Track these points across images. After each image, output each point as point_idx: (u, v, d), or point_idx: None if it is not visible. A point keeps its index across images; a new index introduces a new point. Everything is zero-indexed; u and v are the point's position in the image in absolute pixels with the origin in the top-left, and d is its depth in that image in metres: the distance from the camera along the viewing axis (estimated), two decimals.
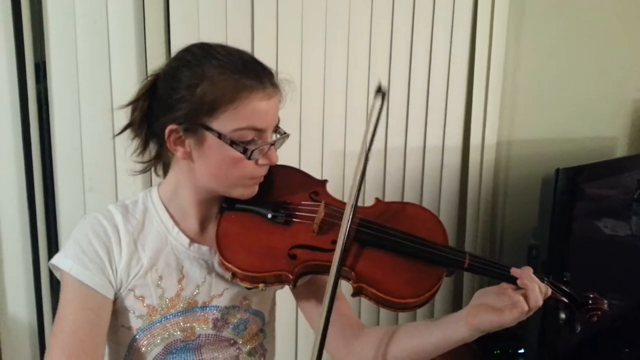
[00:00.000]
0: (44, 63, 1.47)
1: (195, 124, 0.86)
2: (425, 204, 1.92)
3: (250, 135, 0.87)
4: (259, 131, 0.88)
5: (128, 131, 0.96)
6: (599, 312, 0.88)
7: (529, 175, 2.05)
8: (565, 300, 0.88)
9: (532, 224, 1.78)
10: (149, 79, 0.94)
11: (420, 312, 1.91)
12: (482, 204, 2.01)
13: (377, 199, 1.02)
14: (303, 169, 1.07)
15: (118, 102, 1.25)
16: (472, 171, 1.97)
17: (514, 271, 0.87)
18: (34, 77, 1.47)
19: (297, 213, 0.96)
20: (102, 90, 1.51)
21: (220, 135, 0.86)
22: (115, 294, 0.91)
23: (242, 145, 0.87)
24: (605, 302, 0.89)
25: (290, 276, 0.88)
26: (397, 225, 0.95)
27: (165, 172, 1.01)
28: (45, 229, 1.55)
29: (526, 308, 0.82)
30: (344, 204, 0.98)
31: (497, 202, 2.09)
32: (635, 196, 2.00)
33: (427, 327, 0.93)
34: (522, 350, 1.87)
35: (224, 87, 0.85)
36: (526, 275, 0.86)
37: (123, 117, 0.96)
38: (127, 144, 0.96)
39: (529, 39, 2.01)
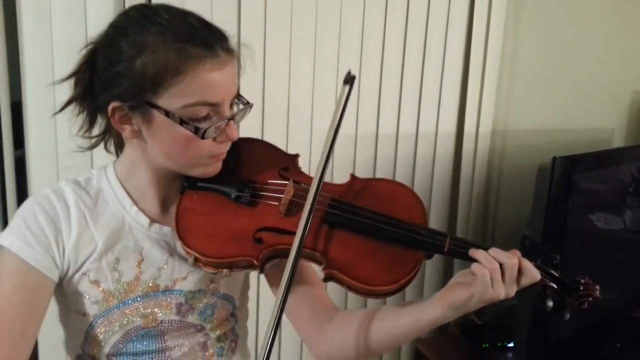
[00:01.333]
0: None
1: (140, 100, 0.78)
2: (417, 192, 1.83)
3: (203, 111, 0.79)
4: (213, 106, 0.80)
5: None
6: (591, 299, 0.81)
7: (524, 165, 2.00)
8: (554, 285, 0.82)
9: (526, 214, 1.73)
10: (87, 48, 0.85)
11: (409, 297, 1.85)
12: (474, 193, 1.97)
13: (352, 175, 0.95)
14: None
15: (59, 74, 1.18)
16: (466, 159, 1.92)
17: (471, 252, 0.81)
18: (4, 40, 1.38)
19: (263, 193, 0.89)
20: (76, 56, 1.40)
21: (167, 114, 0.78)
22: (62, 277, 0.84)
23: (193, 124, 0.79)
24: (598, 287, 0.82)
25: (256, 262, 0.82)
26: (371, 204, 0.88)
27: (120, 149, 0.94)
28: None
29: (496, 274, 0.77)
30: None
31: (490, 191, 2.04)
32: (631, 190, 1.96)
33: (401, 309, 0.88)
34: (511, 344, 1.83)
35: (166, 57, 0.76)
36: (484, 256, 0.79)
37: (66, 90, 0.87)
38: (72, 120, 0.88)
39: (527, 26, 1.95)
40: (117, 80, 0.79)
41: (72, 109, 0.88)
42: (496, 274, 0.77)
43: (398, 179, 1.87)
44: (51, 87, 1.38)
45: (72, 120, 0.88)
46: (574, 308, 0.82)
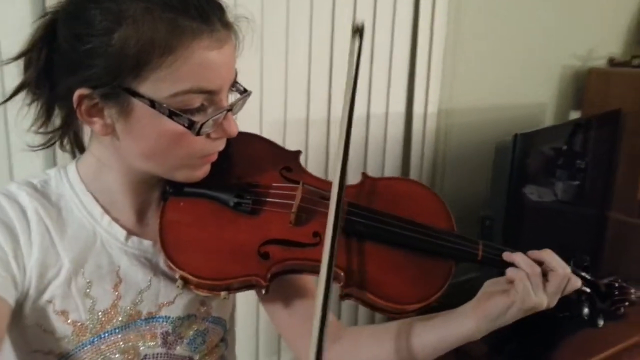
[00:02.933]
0: None
1: (116, 87, 0.62)
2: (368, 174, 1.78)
3: (197, 101, 0.64)
4: (209, 94, 0.65)
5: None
6: (627, 303, 0.76)
7: (471, 145, 2.01)
8: (588, 290, 0.76)
9: (481, 194, 1.73)
10: (43, 19, 0.67)
11: None
12: (424, 174, 1.94)
13: (364, 174, 0.83)
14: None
15: (7, 53, 0.97)
16: (415, 140, 1.88)
17: (506, 256, 0.73)
18: None
19: (267, 199, 0.75)
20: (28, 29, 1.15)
21: (153, 104, 0.62)
22: (20, 301, 0.66)
23: (187, 117, 0.63)
24: (633, 290, 0.78)
25: (263, 281, 0.69)
26: (392, 208, 0.76)
27: (77, 146, 0.77)
28: None
29: (538, 281, 0.69)
30: (325, 182, 0.79)
31: (437, 173, 2.03)
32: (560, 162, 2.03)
33: (425, 324, 0.77)
34: None
35: (152, 31, 0.60)
36: (521, 259, 0.72)
37: (15, 74, 0.69)
38: (21, 110, 0.70)
39: (468, 6, 1.94)
40: (86, 61, 0.62)
41: (23, 97, 0.69)
42: (536, 279, 0.69)
43: (350, 162, 1.80)
44: None
45: (22, 111, 0.71)
46: (608, 313, 0.77)
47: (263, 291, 0.69)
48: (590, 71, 2.20)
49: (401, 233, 0.74)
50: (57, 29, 0.65)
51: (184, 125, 0.64)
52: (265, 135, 0.86)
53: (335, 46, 1.64)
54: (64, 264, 0.69)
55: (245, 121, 0.75)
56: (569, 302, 0.76)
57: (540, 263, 0.72)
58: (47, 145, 0.74)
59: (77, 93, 0.63)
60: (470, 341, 0.74)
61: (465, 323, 0.73)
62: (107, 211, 0.73)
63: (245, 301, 1.54)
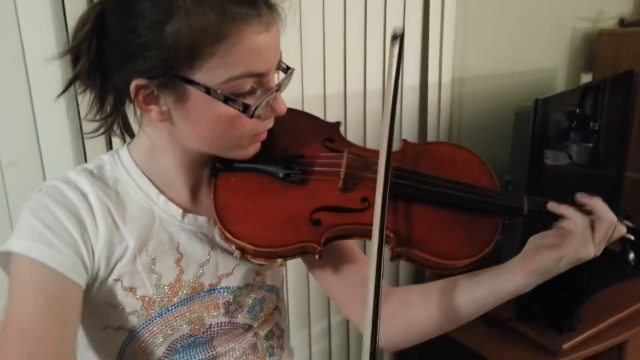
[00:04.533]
0: None
1: (172, 76, 0.65)
2: None
3: (248, 84, 0.67)
4: (259, 76, 0.67)
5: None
6: None
7: (487, 112, 2.03)
8: (632, 237, 0.78)
9: (500, 160, 1.74)
10: (91, 11, 0.68)
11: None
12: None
13: (404, 140, 0.86)
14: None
15: (31, 51, 0.97)
16: (431, 110, 1.90)
17: (579, 197, 0.75)
18: None
19: (315, 168, 0.78)
20: (10, 37, 1.13)
21: (208, 90, 0.65)
22: (90, 283, 0.69)
23: (241, 101, 0.66)
24: None
25: (317, 247, 0.72)
26: (435, 170, 0.80)
27: (127, 131, 0.79)
28: None
29: (588, 231, 0.70)
30: (367, 150, 0.82)
31: (454, 141, 2.05)
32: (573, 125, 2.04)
33: (473, 280, 0.79)
34: None
35: (203, 21, 0.62)
36: (592, 199, 0.74)
37: (40, 73, 0.71)
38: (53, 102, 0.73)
39: None
40: (140, 53, 0.64)
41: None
42: (587, 230, 0.71)
43: (368, 135, 1.82)
44: None
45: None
46: None
47: (317, 256, 0.72)
48: (600, 33, 2.19)
49: (446, 192, 0.77)
50: (106, 20, 0.67)
51: (238, 110, 0.66)
52: (306, 109, 0.88)
53: (369, 21, 1.66)
54: (129, 243, 0.72)
55: (287, 98, 0.77)
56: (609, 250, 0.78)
57: (589, 212, 0.73)
58: (100, 132, 0.76)
59: (134, 84, 0.65)
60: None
61: (513, 279, 0.75)
62: (162, 191, 0.76)
63: (294, 272, 1.61)
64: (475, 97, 2.06)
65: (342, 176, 0.76)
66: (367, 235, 0.69)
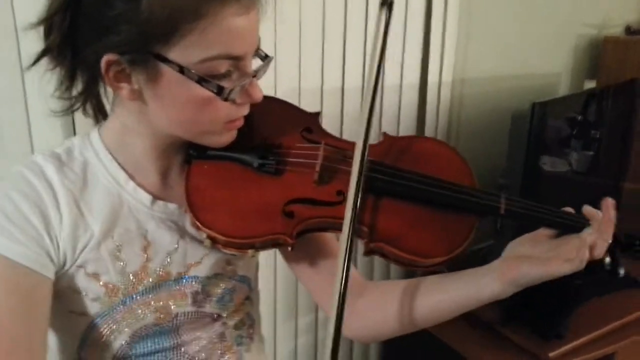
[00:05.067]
0: None
1: (145, 53, 0.63)
2: None
3: (223, 67, 0.65)
4: (236, 60, 0.66)
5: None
6: None
7: (486, 114, 2.00)
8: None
9: (497, 163, 1.73)
10: None
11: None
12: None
13: (385, 133, 0.84)
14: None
15: (22, 20, 0.94)
16: (430, 110, 1.87)
17: (587, 211, 0.75)
18: None
19: (290, 159, 0.77)
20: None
21: (182, 70, 0.63)
22: (57, 272, 0.69)
23: (215, 82, 0.64)
24: None
25: (289, 239, 0.70)
26: (413, 166, 0.78)
27: (100, 112, 0.77)
28: None
29: (584, 263, 0.69)
30: (345, 142, 0.80)
31: (452, 142, 2.02)
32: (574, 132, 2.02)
33: (449, 282, 0.79)
34: None
35: None
36: (606, 216, 0.72)
37: (34, 41, 0.69)
38: (41, 75, 0.70)
39: None
40: (113, 27, 0.61)
41: (45, 62, 0.69)
42: (599, 255, 0.72)
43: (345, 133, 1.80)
44: None
45: (44, 77, 0.71)
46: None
47: (289, 249, 0.71)
48: (605, 40, 2.17)
49: (421, 188, 0.75)
50: None
51: (212, 92, 0.65)
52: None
53: (348, 15, 1.62)
54: (94, 230, 0.71)
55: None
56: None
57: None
58: (70, 110, 0.74)
59: (105, 59, 0.63)
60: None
61: (490, 285, 0.74)
62: (131, 176, 0.74)
63: (265, 264, 1.58)
64: (476, 98, 2.04)
65: (317, 169, 0.75)
66: (341, 229, 0.67)
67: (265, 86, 0.72)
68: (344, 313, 0.60)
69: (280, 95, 1.50)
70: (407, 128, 1.86)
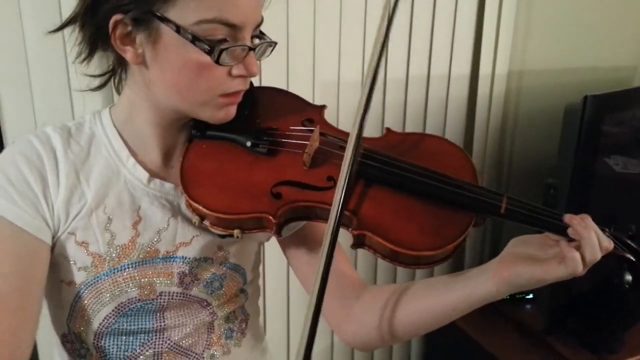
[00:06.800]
0: None
1: (146, 12, 0.66)
2: None
3: (220, 33, 0.67)
4: (233, 28, 0.67)
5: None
6: None
7: (543, 109, 1.88)
8: (632, 257, 0.70)
9: (548, 162, 1.61)
10: None
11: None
12: (489, 139, 1.84)
13: (388, 129, 0.83)
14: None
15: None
16: (481, 103, 1.78)
17: (568, 218, 0.68)
18: None
19: (283, 140, 0.77)
20: None
21: (178, 29, 0.66)
22: (53, 237, 0.72)
23: (208, 43, 0.66)
24: None
25: (273, 219, 0.70)
26: (412, 160, 0.75)
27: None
28: None
29: (580, 266, 0.65)
30: (344, 132, 0.79)
31: (505, 137, 1.92)
32: None
33: (445, 284, 0.76)
34: (530, 296, 1.75)
35: None
36: (581, 222, 0.67)
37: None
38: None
39: None
40: None
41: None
42: (591, 261, 0.66)
43: (408, 124, 1.75)
44: (19, 28, 1.20)
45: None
46: None
47: (273, 232, 0.71)
48: None
49: (414, 178, 0.72)
50: None
51: (204, 50, 0.66)
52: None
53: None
54: (87, 199, 0.74)
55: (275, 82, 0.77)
56: (610, 271, 0.71)
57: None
58: (99, 87, 0.79)
59: (113, 19, 0.67)
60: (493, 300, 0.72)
61: (485, 284, 0.71)
62: (134, 153, 0.77)
63: (280, 263, 1.56)
64: (536, 92, 1.91)
65: (308, 150, 0.75)
66: (327, 217, 0.66)
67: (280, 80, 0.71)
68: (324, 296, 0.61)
69: (299, 87, 1.50)
70: (454, 121, 1.78)
